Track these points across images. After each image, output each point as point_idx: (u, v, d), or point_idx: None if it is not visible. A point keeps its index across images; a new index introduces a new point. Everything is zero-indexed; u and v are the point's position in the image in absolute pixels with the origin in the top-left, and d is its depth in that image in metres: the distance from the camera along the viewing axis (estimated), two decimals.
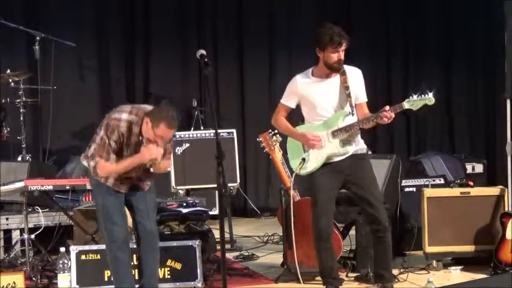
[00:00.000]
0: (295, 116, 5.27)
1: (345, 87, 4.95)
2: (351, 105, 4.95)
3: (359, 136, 5.07)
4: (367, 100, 5.07)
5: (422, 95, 4.76)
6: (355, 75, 5.02)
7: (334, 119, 4.97)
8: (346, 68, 4.99)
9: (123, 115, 4.51)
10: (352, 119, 4.95)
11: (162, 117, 4.43)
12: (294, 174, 5.20)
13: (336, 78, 4.98)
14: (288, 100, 5.13)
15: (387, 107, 4.80)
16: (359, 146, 5.06)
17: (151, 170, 4.68)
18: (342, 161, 4.99)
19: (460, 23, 9.61)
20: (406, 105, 4.79)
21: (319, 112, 5.01)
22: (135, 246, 4.82)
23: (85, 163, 4.71)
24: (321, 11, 9.55)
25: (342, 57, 4.90)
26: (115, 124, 4.48)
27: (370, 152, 5.17)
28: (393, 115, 4.80)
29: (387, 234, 5.07)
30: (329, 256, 5.11)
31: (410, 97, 4.78)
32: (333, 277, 5.15)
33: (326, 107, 4.98)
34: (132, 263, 4.91)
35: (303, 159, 5.04)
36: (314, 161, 5.01)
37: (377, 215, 5.01)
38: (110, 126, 4.48)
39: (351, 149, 5.00)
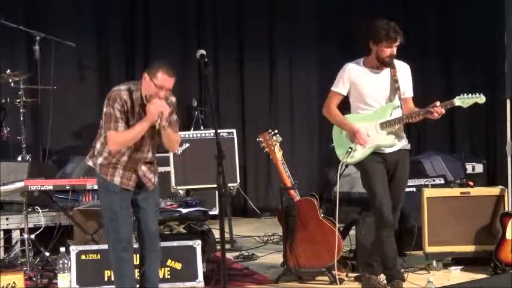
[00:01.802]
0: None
1: (394, 80, 5.04)
2: (399, 99, 5.03)
3: (403, 130, 5.15)
4: (413, 95, 5.16)
5: (473, 94, 4.91)
6: (403, 70, 5.13)
7: (383, 111, 5.05)
8: (396, 62, 5.09)
9: (121, 86, 4.56)
10: (399, 113, 5.03)
11: (159, 66, 4.45)
12: (341, 164, 5.22)
13: (386, 71, 5.07)
14: (340, 87, 5.19)
15: (438, 102, 4.91)
16: (405, 141, 5.15)
17: (161, 135, 4.60)
18: (392, 154, 5.08)
19: (460, 22, 9.61)
20: (457, 102, 4.93)
21: (368, 102, 5.09)
22: (136, 246, 4.82)
23: (90, 163, 4.68)
24: (321, 11, 9.56)
25: (395, 52, 4.99)
26: (116, 94, 4.49)
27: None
28: (443, 111, 4.91)
29: (391, 230, 5.18)
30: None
31: (462, 95, 4.92)
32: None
33: (376, 98, 5.07)
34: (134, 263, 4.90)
35: (350, 148, 5.09)
36: (361, 150, 5.08)
37: (396, 212, 5.13)
38: (111, 97, 4.49)
39: (398, 142, 5.09)
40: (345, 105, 5.29)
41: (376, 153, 5.08)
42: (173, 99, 4.66)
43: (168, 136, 4.59)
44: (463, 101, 4.94)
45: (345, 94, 5.19)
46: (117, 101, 4.46)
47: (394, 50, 4.99)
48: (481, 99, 4.95)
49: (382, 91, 5.06)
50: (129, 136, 4.49)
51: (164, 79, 4.42)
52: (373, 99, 5.08)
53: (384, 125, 5.03)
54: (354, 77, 5.10)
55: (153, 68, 4.46)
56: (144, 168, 4.64)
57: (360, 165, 5.17)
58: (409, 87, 5.16)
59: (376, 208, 5.08)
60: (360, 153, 5.08)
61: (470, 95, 4.95)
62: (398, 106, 5.04)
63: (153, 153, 4.72)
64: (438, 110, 4.89)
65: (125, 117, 4.49)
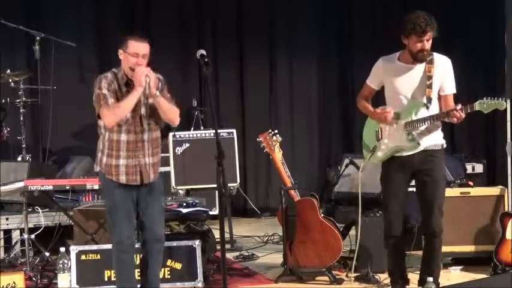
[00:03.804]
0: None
1: (427, 76, 4.76)
2: (428, 97, 4.76)
3: (438, 130, 4.88)
4: (455, 92, 4.88)
5: (495, 98, 4.63)
6: (442, 65, 4.82)
7: (408, 109, 4.81)
8: (436, 57, 4.80)
9: (105, 73, 4.68)
10: (427, 112, 4.77)
11: (127, 37, 4.59)
12: (361, 165, 5.10)
13: (420, 66, 4.79)
14: (372, 81, 5.00)
15: (459, 106, 4.66)
16: (433, 141, 4.86)
17: (156, 105, 4.60)
18: (412, 156, 4.83)
19: (460, 22, 9.60)
20: (477, 106, 4.63)
21: (399, 99, 4.84)
22: (137, 246, 4.81)
23: (98, 168, 4.69)
24: (321, 11, 9.56)
25: (427, 46, 4.71)
26: (100, 77, 4.63)
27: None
28: (463, 115, 4.65)
29: (437, 239, 4.92)
30: (396, 252, 5.02)
31: (484, 99, 4.62)
32: (399, 275, 5.05)
33: (405, 95, 4.82)
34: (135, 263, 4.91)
35: (374, 147, 4.93)
36: (383, 150, 4.90)
37: (430, 218, 4.85)
38: (96, 80, 4.61)
39: (421, 144, 4.82)
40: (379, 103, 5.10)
41: (398, 157, 4.85)
42: (160, 77, 4.70)
43: (163, 105, 4.59)
44: (483, 105, 4.61)
45: (376, 88, 4.98)
46: (102, 82, 4.58)
47: (426, 44, 4.68)
48: (501, 104, 4.61)
49: (412, 88, 4.79)
50: (121, 106, 4.51)
51: (135, 45, 4.55)
52: (403, 96, 4.82)
53: (407, 126, 4.79)
54: (384, 73, 4.89)
55: (123, 41, 4.58)
56: (146, 160, 4.63)
57: (382, 167, 4.97)
58: (448, 84, 4.82)
59: (385, 221, 4.97)
60: (381, 152, 4.89)
61: (490, 100, 4.61)
62: (424, 105, 4.76)
63: (155, 139, 4.69)
64: (457, 114, 4.61)
65: (114, 95, 4.54)
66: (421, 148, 4.83)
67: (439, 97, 4.85)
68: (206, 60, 4.46)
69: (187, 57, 8.90)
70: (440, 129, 4.89)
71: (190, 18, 9.18)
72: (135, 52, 4.54)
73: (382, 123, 4.91)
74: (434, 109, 4.80)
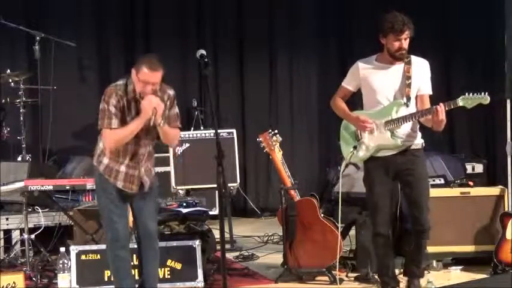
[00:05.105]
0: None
1: (406, 76, 4.82)
2: (407, 96, 4.81)
3: (417, 130, 4.92)
4: (431, 93, 4.92)
5: (478, 94, 4.66)
6: (420, 66, 4.88)
7: (388, 108, 4.84)
8: (413, 58, 4.88)
9: (118, 81, 4.57)
10: (406, 111, 4.81)
11: (143, 61, 4.46)
12: (344, 163, 5.12)
13: (399, 66, 4.85)
14: (348, 83, 5.01)
15: (441, 104, 4.69)
16: (414, 140, 4.89)
17: (160, 134, 4.61)
18: (394, 156, 4.86)
19: (459, 22, 9.60)
20: (460, 102, 4.67)
21: (378, 98, 4.86)
22: (135, 246, 4.83)
23: (95, 162, 4.69)
24: (321, 11, 9.56)
25: (405, 46, 4.78)
26: (112, 89, 4.50)
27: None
28: (444, 110, 4.67)
29: (426, 234, 4.92)
30: (385, 253, 5.02)
31: (466, 94, 4.67)
32: (389, 276, 5.05)
33: (385, 94, 4.85)
34: (132, 263, 4.92)
35: (354, 147, 4.94)
36: (364, 150, 4.91)
37: (419, 216, 4.86)
38: (107, 93, 4.50)
39: (404, 143, 4.84)
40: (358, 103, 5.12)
41: (379, 158, 4.88)
42: (171, 92, 4.66)
43: (165, 133, 4.60)
44: (466, 101, 4.68)
45: (352, 90, 5.00)
46: (112, 97, 4.47)
47: (403, 43, 4.76)
48: (485, 99, 4.67)
49: (392, 87, 4.83)
50: (123, 134, 4.49)
51: (147, 74, 4.42)
52: (383, 96, 4.85)
53: (388, 124, 4.81)
54: (363, 74, 4.90)
55: (138, 63, 4.47)
56: (142, 170, 4.65)
57: (364, 168, 5.03)
58: (425, 84, 4.88)
59: (372, 222, 5.01)
60: (363, 152, 4.91)
61: (474, 95, 4.69)
62: (404, 104, 4.80)
63: (151, 151, 4.71)
64: (439, 108, 4.64)
65: (119, 114, 4.49)
66: (402, 147, 4.85)
67: (416, 97, 4.89)
68: (206, 60, 4.47)
69: (187, 57, 8.90)
70: (418, 128, 4.93)
71: (190, 18, 9.18)
72: (145, 80, 4.44)
73: (357, 127, 4.94)
74: (413, 108, 4.85)
